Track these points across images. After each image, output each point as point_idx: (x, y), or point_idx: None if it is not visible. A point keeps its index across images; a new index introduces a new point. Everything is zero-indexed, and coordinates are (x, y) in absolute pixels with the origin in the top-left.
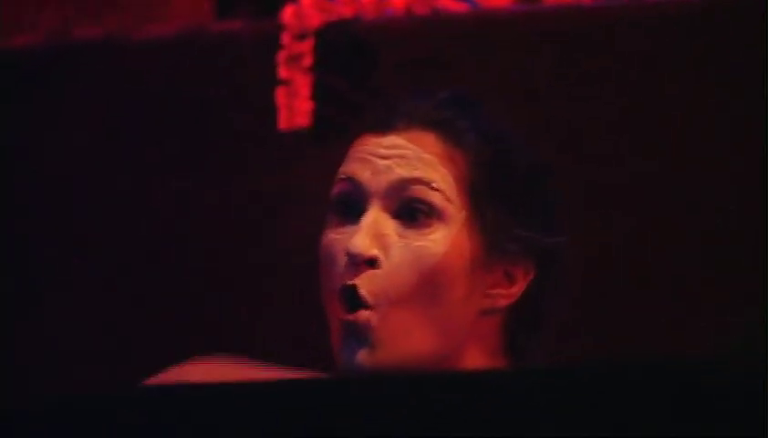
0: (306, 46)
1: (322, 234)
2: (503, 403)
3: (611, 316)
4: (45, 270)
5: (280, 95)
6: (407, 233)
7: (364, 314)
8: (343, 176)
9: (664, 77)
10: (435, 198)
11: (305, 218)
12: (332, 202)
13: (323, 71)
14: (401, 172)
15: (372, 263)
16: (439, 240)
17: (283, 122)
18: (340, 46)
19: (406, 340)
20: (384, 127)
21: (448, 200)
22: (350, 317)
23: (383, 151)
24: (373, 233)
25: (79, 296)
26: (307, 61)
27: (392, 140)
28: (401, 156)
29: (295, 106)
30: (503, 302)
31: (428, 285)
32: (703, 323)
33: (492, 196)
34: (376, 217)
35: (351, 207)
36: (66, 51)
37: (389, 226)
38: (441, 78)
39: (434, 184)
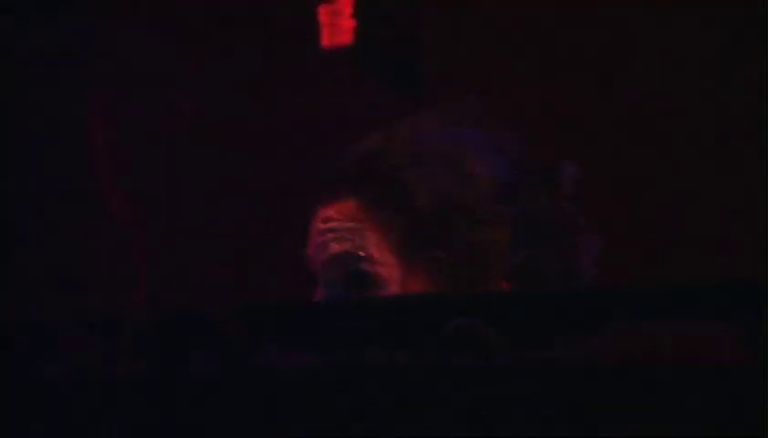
0: None
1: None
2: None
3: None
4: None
5: (323, 13)
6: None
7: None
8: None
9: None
10: (366, 266)
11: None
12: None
13: None
14: (334, 246)
15: None
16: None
17: (325, 40)
18: None
19: None
20: (324, 197)
21: (378, 263)
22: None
23: (321, 226)
24: None
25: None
26: None
27: (325, 212)
28: (332, 229)
29: (338, 24)
30: None
31: None
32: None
33: (427, 239)
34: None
35: (317, 278)
36: None
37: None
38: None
39: (361, 252)
